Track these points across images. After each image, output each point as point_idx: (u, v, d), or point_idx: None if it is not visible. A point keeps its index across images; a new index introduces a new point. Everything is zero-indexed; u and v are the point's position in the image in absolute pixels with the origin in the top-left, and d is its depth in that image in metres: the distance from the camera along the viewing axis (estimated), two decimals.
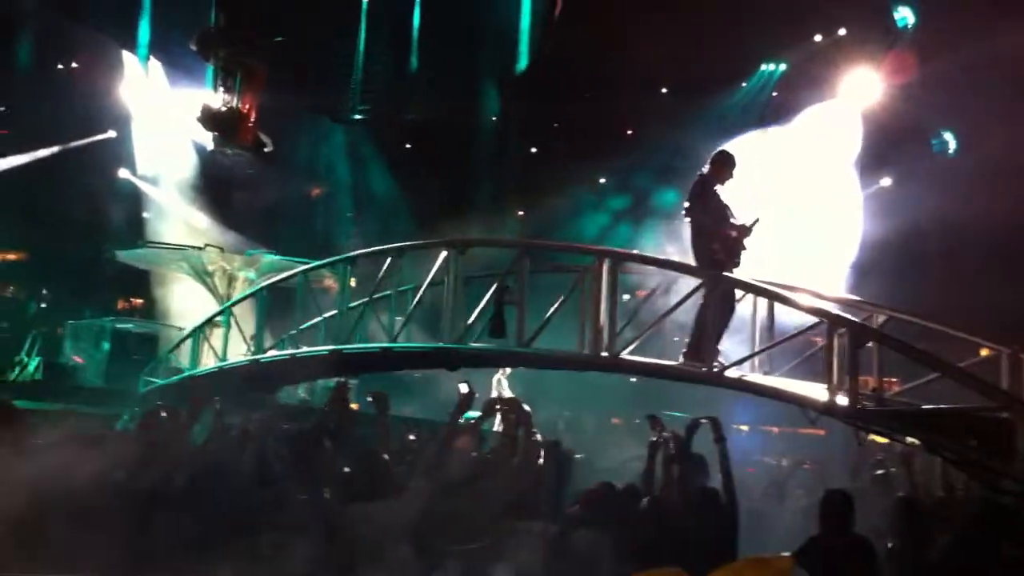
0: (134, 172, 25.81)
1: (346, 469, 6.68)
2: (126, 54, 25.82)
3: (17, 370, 18.13)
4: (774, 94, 25.14)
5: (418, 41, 28.75)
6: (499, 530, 6.15)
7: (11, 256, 28.85)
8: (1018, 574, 6.02)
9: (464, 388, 6.90)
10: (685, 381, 9.89)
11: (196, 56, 20.96)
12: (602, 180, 27.54)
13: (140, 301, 24.55)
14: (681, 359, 9.57)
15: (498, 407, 6.84)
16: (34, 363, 18.17)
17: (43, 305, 26.59)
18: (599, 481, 6.95)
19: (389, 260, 11.59)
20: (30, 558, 4.99)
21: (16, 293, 28.39)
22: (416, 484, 6.16)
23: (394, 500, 6.01)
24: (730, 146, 10.70)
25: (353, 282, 12.61)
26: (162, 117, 25.29)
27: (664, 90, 26.96)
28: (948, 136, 23.77)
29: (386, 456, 6.92)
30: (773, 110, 24.14)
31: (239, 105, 19.99)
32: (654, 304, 10.70)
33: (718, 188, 9.77)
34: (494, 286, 10.47)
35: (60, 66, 26.38)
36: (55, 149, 25.08)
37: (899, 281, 17.79)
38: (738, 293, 9.71)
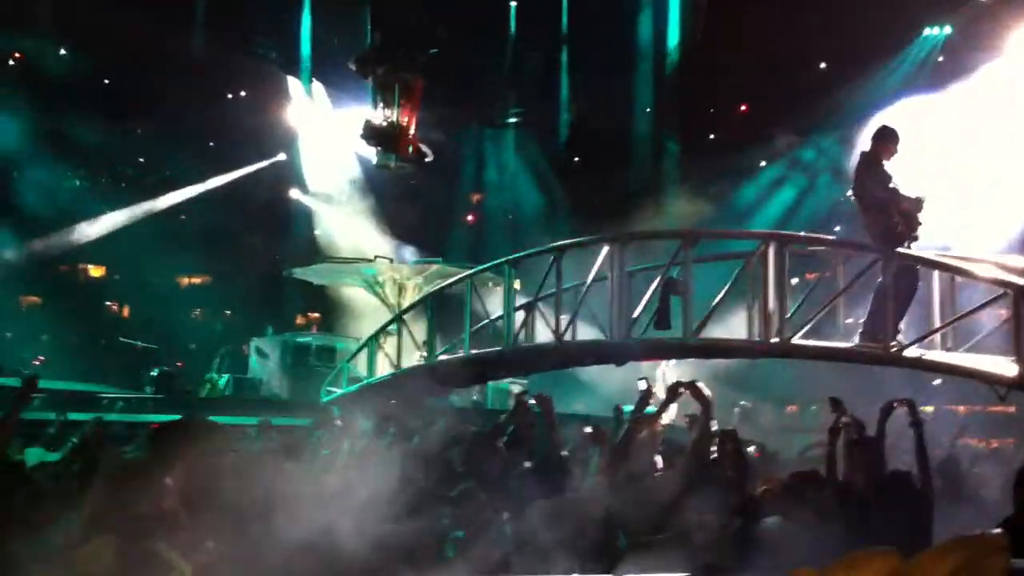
0: (305, 191, 26.88)
1: (527, 464, 6.80)
2: (290, 79, 26.90)
3: (208, 387, 19.14)
4: (940, 59, 24.04)
5: (568, 40, 28.81)
6: (680, 522, 6.12)
7: (196, 280, 30.48)
8: None
9: (643, 384, 6.90)
10: (862, 363, 9.59)
11: (356, 75, 21.62)
12: (763, 163, 26.95)
13: (317, 315, 25.49)
14: (857, 339, 9.30)
15: (681, 390, 6.79)
16: (223, 380, 19.14)
17: (228, 325, 27.95)
18: (784, 470, 6.84)
19: (552, 259, 11.67)
20: None
21: (203, 315, 29.95)
22: (597, 479, 6.21)
23: (574, 495, 6.07)
24: (895, 113, 10.34)
25: (518, 283, 12.75)
26: (327, 136, 26.22)
27: (823, 65, 26.16)
28: None
29: (565, 453, 7.00)
30: (939, 75, 23.09)
31: (399, 119, 20.51)
32: (828, 286, 10.43)
33: (885, 163, 9.47)
34: (658, 278, 10.42)
35: (229, 95, 27.64)
36: (230, 176, 26.34)
37: None
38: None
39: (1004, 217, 19.37)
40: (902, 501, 5.99)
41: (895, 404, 6.66)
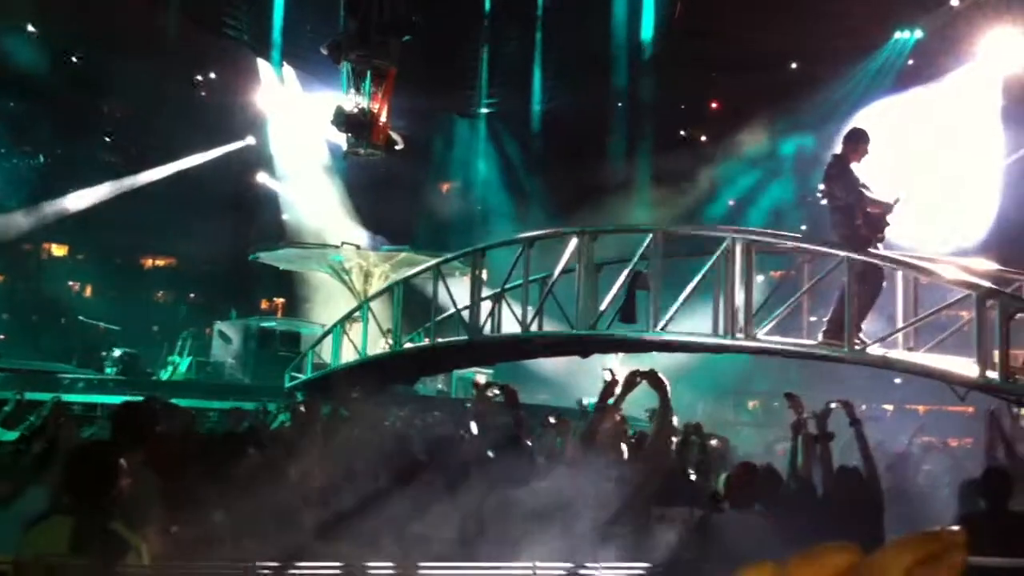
0: (273, 175, 26.69)
1: (489, 454, 6.80)
2: (261, 62, 26.69)
3: (170, 370, 19.00)
4: (910, 61, 24.27)
5: (542, 32, 28.80)
6: (642, 515, 6.16)
7: (161, 262, 30.23)
8: None
9: (608, 375, 6.89)
10: (825, 360, 9.67)
11: (328, 60, 21.50)
12: (734, 160, 27.09)
13: (282, 300, 25.38)
14: (820, 338, 9.38)
15: (639, 379, 6.80)
16: (185, 363, 19.01)
17: (192, 308, 27.75)
18: (741, 463, 6.88)
19: (520, 250, 11.66)
20: None
21: (166, 298, 29.71)
22: (560, 470, 6.23)
23: (538, 485, 6.08)
24: (865, 115, 10.44)
25: (485, 273, 12.74)
26: (297, 121, 26.05)
27: (794, 65, 26.32)
28: None
29: (529, 443, 7.02)
30: (909, 77, 23.32)
31: (370, 106, 20.43)
32: (793, 284, 10.51)
33: (854, 165, 9.56)
34: (625, 272, 10.45)
35: (199, 76, 27.39)
36: (198, 157, 26.10)
37: None
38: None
39: (969, 220, 19.63)
40: (853, 497, 6.07)
41: (832, 405, 6.77)
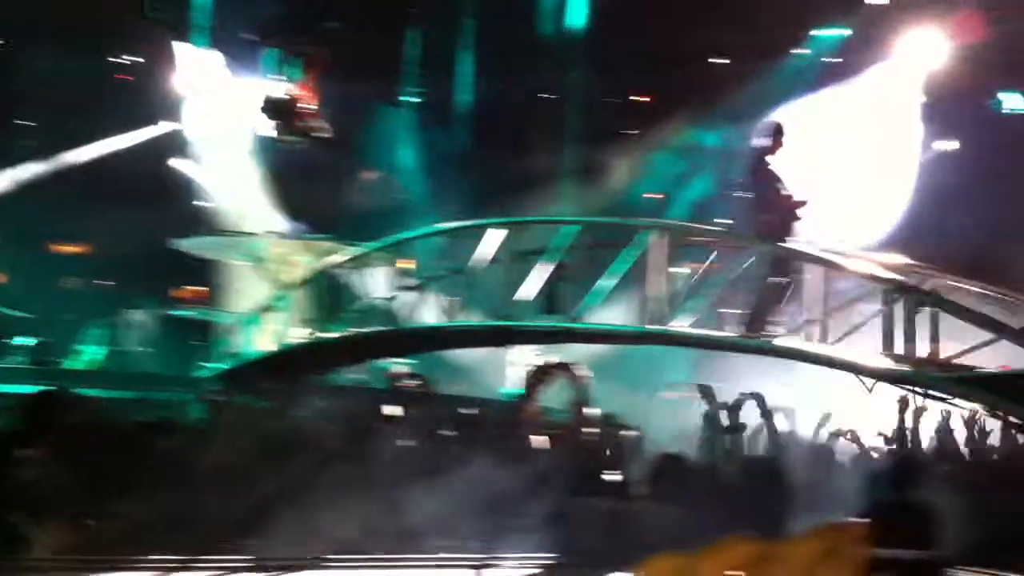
0: (194, 161, 26.17)
1: (408, 444, 6.80)
2: (184, 46, 26.13)
3: (81, 359, 18.56)
4: (832, 59, 24.68)
5: (470, 21, 28.69)
6: (558, 504, 6.20)
7: (73, 249, 29.49)
8: None
9: (533, 365, 6.90)
10: (739, 352, 9.83)
11: (254, 45, 21.16)
12: (659, 151, 27.30)
13: (200, 289, 24.91)
14: (737, 330, 9.53)
15: (551, 372, 6.85)
16: (97, 352, 18.59)
17: (105, 296, 27.11)
18: (658, 453, 6.98)
19: (444, 241, 11.65)
20: None
21: (79, 285, 29.00)
22: (480, 460, 6.25)
23: (460, 475, 6.09)
24: (785, 112, 10.64)
25: (408, 264, 12.69)
26: (221, 106, 25.58)
27: (719, 59, 26.59)
28: (1013, 97, 23.19)
29: (448, 433, 7.03)
30: (830, 74, 23.73)
31: (297, 92, 20.17)
32: (711, 276, 10.65)
33: (771, 159, 9.73)
34: (547, 263, 10.49)
35: (120, 58, 26.73)
36: (116, 142, 25.50)
37: (957, 245, 17.48)
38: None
39: (882, 216, 20.10)
40: (763, 486, 6.19)
41: (744, 398, 6.91)
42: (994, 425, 8.50)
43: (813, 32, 24.64)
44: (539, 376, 6.74)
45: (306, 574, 4.87)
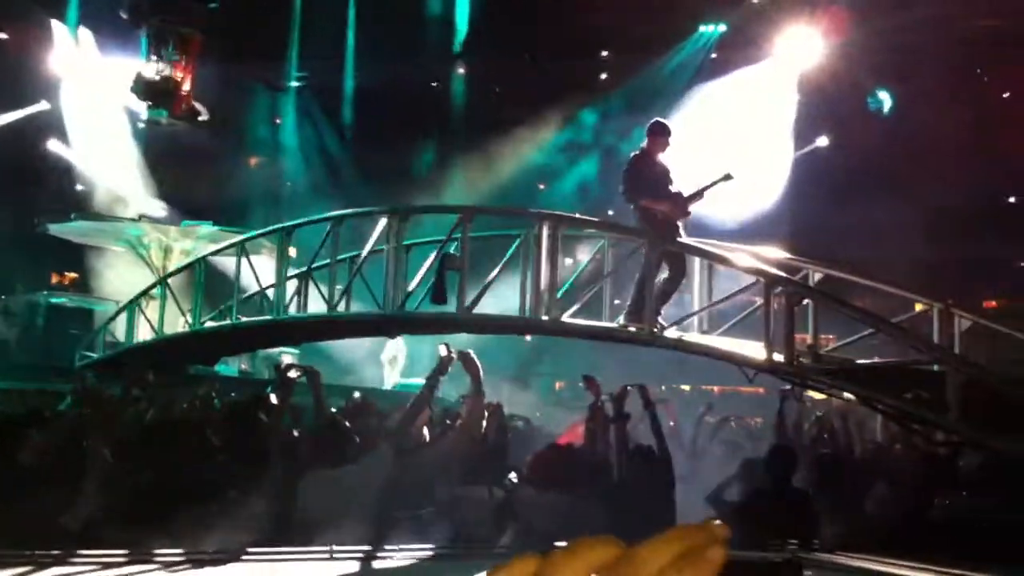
0: (66, 143, 25.22)
1: (295, 434, 6.68)
2: (55, 22, 25.13)
3: None
4: (713, 55, 25.21)
5: (356, 6, 28.31)
6: (446, 495, 6.18)
7: None
8: (951, 522, 6.17)
9: (443, 351, 6.79)
10: (624, 342, 9.95)
11: (128, 24, 20.49)
12: (549, 140, 27.49)
13: (74, 275, 24.06)
14: (622, 320, 9.65)
15: (453, 360, 6.78)
16: None
17: None
18: (544, 445, 7.00)
19: (329, 228, 11.47)
20: None
21: None
22: (379, 450, 6.18)
23: (353, 466, 6.00)
24: (670, 105, 10.76)
25: (293, 252, 12.46)
26: (94, 87, 24.70)
27: (604, 53, 26.91)
28: (884, 95, 24.06)
29: (347, 423, 6.92)
30: (711, 71, 24.24)
31: (173, 74, 19.62)
32: (596, 267, 10.77)
33: (658, 157, 9.87)
34: (434, 252, 10.45)
35: None
36: None
37: (835, 239, 18.07)
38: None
39: (762, 210, 20.64)
40: (647, 474, 6.28)
41: (629, 388, 7.00)
42: (868, 415, 8.79)
43: (698, 28, 25.12)
44: (439, 365, 6.67)
45: (196, 570, 4.73)
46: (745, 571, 0.91)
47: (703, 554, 0.82)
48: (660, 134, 9.94)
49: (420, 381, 8.03)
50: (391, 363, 18.50)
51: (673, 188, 9.81)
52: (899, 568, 5.07)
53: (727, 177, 9.82)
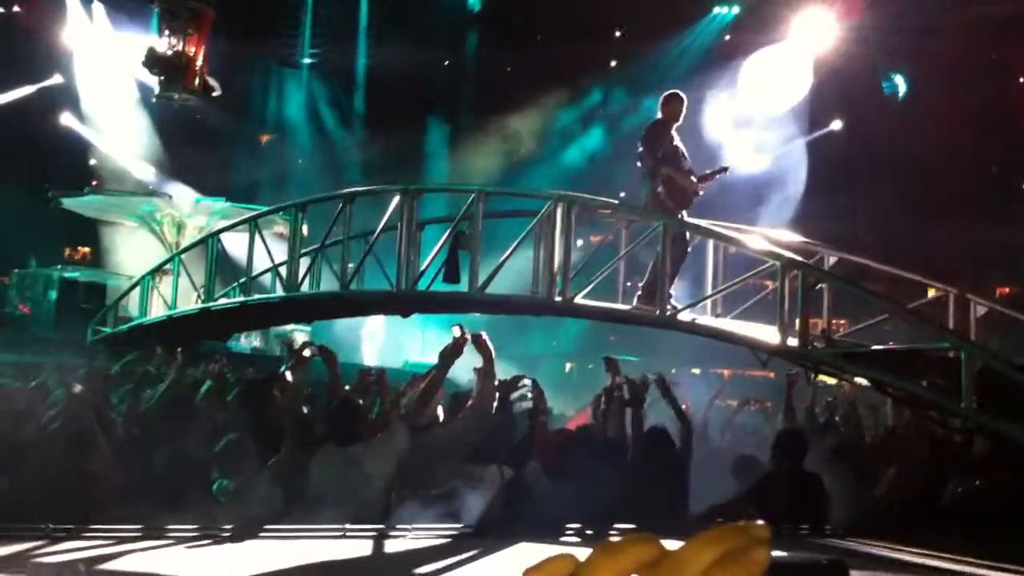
0: (79, 118, 25.23)
1: (305, 410, 6.69)
2: None
3: None
4: (727, 37, 25.07)
5: None
6: (458, 475, 6.17)
7: None
8: (963, 507, 6.17)
9: (457, 331, 6.76)
10: (638, 324, 9.93)
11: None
12: (560, 121, 27.41)
13: (87, 250, 24.12)
14: (635, 302, 9.62)
15: (467, 340, 6.75)
16: None
17: None
18: (558, 428, 7.00)
19: (341, 206, 11.44)
20: None
21: None
22: (393, 429, 6.17)
23: (365, 446, 6.00)
24: (682, 87, 10.67)
25: (305, 229, 12.43)
26: (107, 61, 24.68)
27: (618, 33, 26.79)
28: (899, 78, 23.92)
29: (360, 402, 6.92)
30: (726, 53, 24.10)
31: (185, 49, 19.53)
32: (609, 248, 10.73)
33: (671, 130, 9.77)
34: (447, 231, 10.42)
35: (1, 10, 25.60)
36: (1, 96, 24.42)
37: (850, 223, 18.00)
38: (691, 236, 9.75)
39: (777, 194, 20.55)
40: (662, 457, 6.25)
41: (649, 378, 6.96)
42: (881, 400, 8.76)
43: (712, 10, 24.98)
44: (452, 347, 6.64)
45: (211, 546, 4.75)
46: (790, 572, 0.89)
47: (748, 554, 0.81)
48: (674, 104, 9.86)
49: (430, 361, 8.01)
50: (370, 338, 19.02)
51: (686, 164, 9.74)
52: (910, 554, 5.07)
53: (724, 170, 9.80)
